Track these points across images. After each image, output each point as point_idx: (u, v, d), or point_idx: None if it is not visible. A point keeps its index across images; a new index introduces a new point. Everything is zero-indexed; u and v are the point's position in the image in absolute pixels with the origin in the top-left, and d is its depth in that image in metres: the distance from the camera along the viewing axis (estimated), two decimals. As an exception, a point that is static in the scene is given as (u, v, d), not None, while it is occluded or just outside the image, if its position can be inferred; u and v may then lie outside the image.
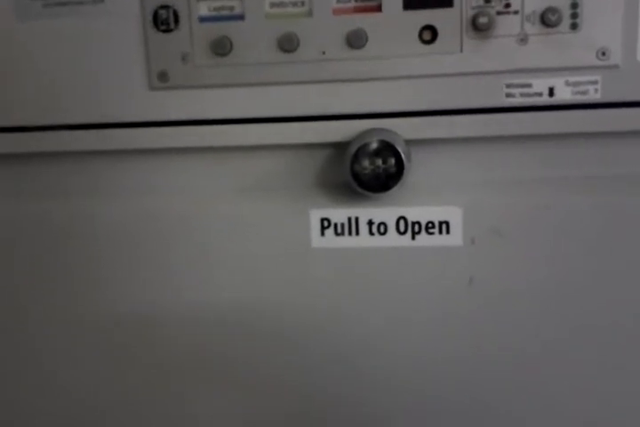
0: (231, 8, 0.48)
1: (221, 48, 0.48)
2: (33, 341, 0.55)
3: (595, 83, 0.47)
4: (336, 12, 0.47)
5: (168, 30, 0.48)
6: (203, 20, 0.48)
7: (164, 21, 0.48)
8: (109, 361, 0.55)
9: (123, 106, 0.50)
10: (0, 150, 0.52)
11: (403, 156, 0.46)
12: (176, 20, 0.48)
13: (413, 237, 0.50)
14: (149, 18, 0.48)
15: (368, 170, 0.46)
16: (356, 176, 0.47)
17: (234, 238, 0.51)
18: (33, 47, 0.49)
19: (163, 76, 0.49)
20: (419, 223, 0.50)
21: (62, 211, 0.53)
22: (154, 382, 0.55)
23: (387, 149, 0.46)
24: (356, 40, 0.47)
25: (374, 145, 0.46)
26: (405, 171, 0.46)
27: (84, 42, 0.49)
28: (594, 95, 0.47)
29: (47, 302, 0.54)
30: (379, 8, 0.47)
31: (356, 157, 0.46)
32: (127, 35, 0.49)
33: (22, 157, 0.53)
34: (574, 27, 0.46)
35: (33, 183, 0.54)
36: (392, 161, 0.46)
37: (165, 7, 0.48)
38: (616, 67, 0.46)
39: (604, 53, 0.47)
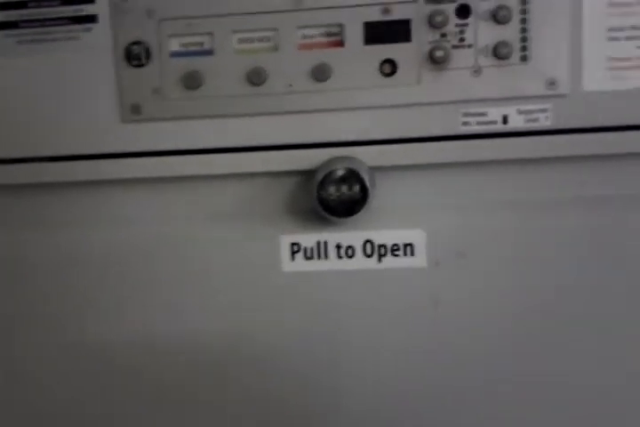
0: (201, 44, 0.50)
1: (192, 82, 0.50)
2: (14, 367, 0.56)
3: (545, 111, 0.50)
4: (301, 47, 0.50)
5: (140, 65, 0.50)
6: (173, 55, 0.50)
7: (135, 57, 0.50)
8: (85, 387, 0.56)
9: (96, 138, 0.51)
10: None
11: (366, 182, 0.48)
12: (148, 56, 0.50)
13: (380, 260, 0.52)
14: (122, 54, 0.50)
15: (334, 196, 0.48)
16: (323, 202, 0.49)
17: (206, 265, 0.53)
18: (7, 83, 0.51)
19: (135, 109, 0.51)
20: (384, 246, 0.52)
21: (36, 241, 0.54)
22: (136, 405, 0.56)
23: (351, 175, 0.48)
24: (320, 73, 0.50)
25: (340, 172, 0.48)
26: (370, 196, 0.48)
27: (58, 77, 0.51)
28: (544, 122, 0.50)
29: (26, 329, 0.55)
30: (341, 43, 0.50)
31: (323, 184, 0.48)
32: (100, 70, 0.51)
33: (-3, 189, 0.54)
34: (524, 59, 0.49)
35: (6, 214, 0.55)
36: (357, 187, 0.48)
37: (137, 43, 0.50)
38: (564, 96, 0.49)
39: (552, 83, 0.50)
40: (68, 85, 0.51)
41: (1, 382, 0.56)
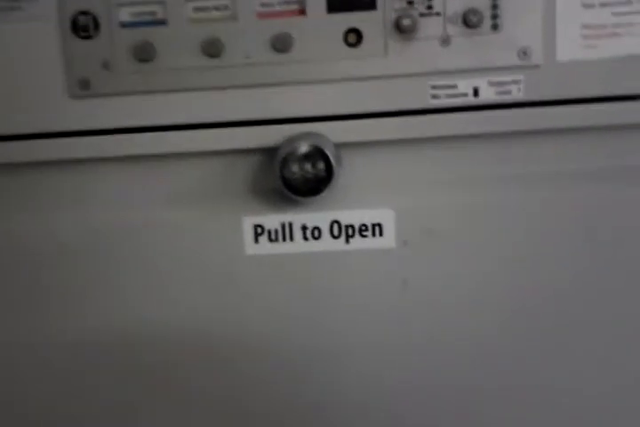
0: (153, 13, 0.47)
1: (144, 54, 0.47)
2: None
3: (517, 82, 0.48)
4: (260, 15, 0.47)
5: (88, 37, 0.47)
6: (123, 25, 0.47)
7: (83, 28, 0.47)
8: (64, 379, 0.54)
9: (44, 115, 0.48)
10: None
11: (332, 159, 0.46)
12: (96, 27, 0.47)
13: (347, 241, 0.50)
14: (68, 24, 0.47)
15: (298, 175, 0.46)
16: (286, 181, 0.46)
17: (166, 248, 0.51)
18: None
19: (84, 83, 0.48)
20: (352, 226, 0.50)
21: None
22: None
23: (316, 153, 0.46)
24: (281, 44, 0.47)
25: (303, 149, 0.46)
26: (335, 175, 0.46)
27: (1, 50, 0.47)
28: (517, 94, 0.48)
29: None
30: (303, 11, 0.47)
31: (285, 163, 0.46)
32: (46, 43, 0.47)
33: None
34: (495, 27, 0.47)
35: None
36: (321, 165, 0.46)
37: (85, 13, 0.47)
38: (537, 66, 0.47)
39: (525, 53, 0.48)
40: (11, 60, 0.47)
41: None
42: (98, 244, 0.51)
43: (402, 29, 0.47)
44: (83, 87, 0.48)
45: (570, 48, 0.47)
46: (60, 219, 0.51)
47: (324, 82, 0.48)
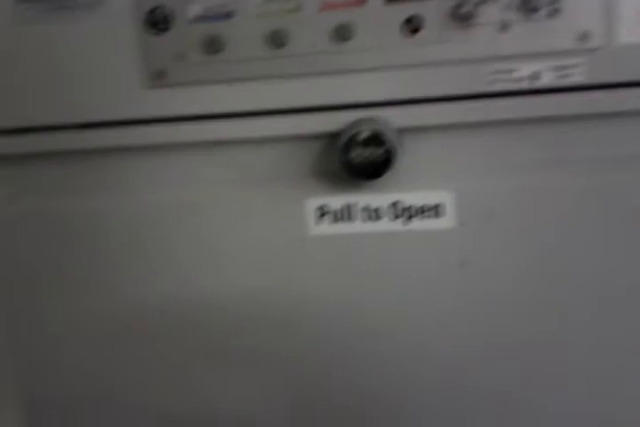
0: (222, 6, 0.50)
1: (213, 46, 0.50)
2: (51, 329, 0.57)
3: (577, 66, 0.48)
4: (323, 7, 0.49)
5: (162, 31, 0.50)
6: (194, 19, 0.50)
7: (158, 22, 0.50)
8: (120, 350, 0.57)
9: (123, 105, 0.51)
10: (4, 151, 0.54)
11: (392, 143, 0.47)
12: (169, 21, 0.50)
13: (407, 222, 0.51)
14: (143, 19, 0.50)
15: (359, 158, 0.48)
16: (348, 165, 0.48)
17: (234, 229, 0.53)
18: (32, 51, 0.51)
19: (160, 74, 0.51)
20: (412, 208, 0.51)
21: (72, 208, 0.55)
22: (168, 367, 0.57)
23: (376, 137, 0.48)
24: (342, 34, 0.49)
25: (364, 134, 0.48)
26: (395, 158, 0.48)
27: (81, 45, 0.51)
28: (577, 78, 0.48)
29: (63, 294, 0.57)
30: (363, 2, 0.48)
31: (347, 147, 0.48)
32: (122, 37, 0.50)
33: (27, 158, 0.55)
34: (554, 12, 0.47)
35: (40, 183, 0.55)
36: (382, 149, 0.48)
37: (159, 8, 0.50)
38: (598, 49, 0.47)
39: (585, 36, 0.48)
40: (91, 53, 0.51)
41: (31, 346, 0.58)
42: (171, 222, 0.54)
43: (460, 16, 0.48)
44: (159, 78, 0.51)
45: (631, 30, 0.47)
46: (137, 199, 0.54)
47: (384, 69, 0.49)
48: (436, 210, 0.51)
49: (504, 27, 0.48)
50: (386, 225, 0.51)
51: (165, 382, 0.57)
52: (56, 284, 0.56)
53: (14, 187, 0.56)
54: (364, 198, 0.51)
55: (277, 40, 0.49)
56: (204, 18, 0.50)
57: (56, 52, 0.51)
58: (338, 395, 0.55)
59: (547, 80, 0.49)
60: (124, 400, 0.58)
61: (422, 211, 0.51)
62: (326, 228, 0.52)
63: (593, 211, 0.50)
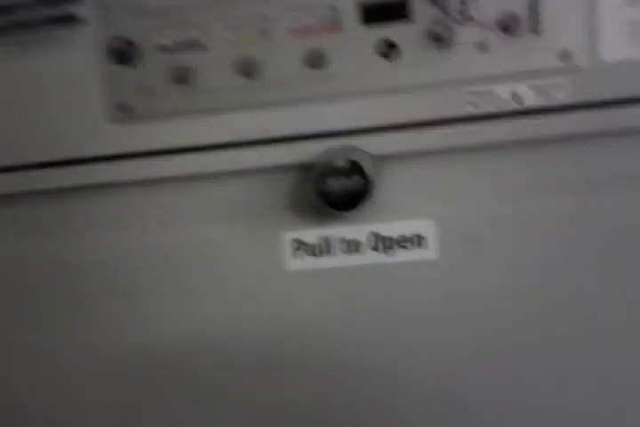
0: (189, 36, 0.48)
1: (181, 77, 0.48)
2: (32, 371, 0.56)
3: (559, 85, 0.46)
4: (294, 33, 0.47)
5: (125, 62, 0.48)
6: (160, 49, 0.48)
7: (121, 53, 0.48)
8: (101, 391, 0.55)
9: (85, 141, 0.50)
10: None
11: (369, 172, 0.46)
12: (133, 52, 0.48)
13: (388, 253, 0.49)
14: (105, 50, 0.48)
15: (335, 189, 0.46)
16: (324, 196, 0.46)
17: (207, 266, 0.51)
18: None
19: (123, 108, 0.49)
20: (391, 238, 0.49)
21: (32, 250, 0.53)
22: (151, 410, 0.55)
23: (352, 166, 0.46)
24: (315, 60, 0.47)
25: (339, 163, 0.46)
26: (373, 187, 0.46)
27: (41, 80, 0.49)
28: (561, 97, 0.46)
29: (44, 336, 0.55)
30: (335, 26, 0.47)
31: (322, 177, 0.46)
32: (85, 70, 0.49)
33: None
34: (535, 30, 0.46)
35: (6, 224, 0.54)
36: (358, 178, 0.46)
37: (121, 39, 0.48)
38: (580, 68, 0.46)
39: (566, 55, 0.46)
40: (52, 88, 0.49)
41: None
42: (138, 262, 0.52)
43: (437, 38, 0.46)
44: (123, 111, 0.49)
45: (615, 47, 0.45)
46: (100, 240, 0.52)
47: (360, 95, 0.47)
48: (417, 240, 0.49)
49: (483, 47, 0.46)
50: (366, 258, 0.49)
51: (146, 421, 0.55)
52: (34, 328, 0.55)
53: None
54: (341, 230, 0.49)
55: (248, 69, 0.48)
56: (170, 48, 0.48)
57: (13, 87, 0.50)
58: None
59: (529, 101, 0.47)
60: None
61: (403, 241, 0.49)
62: (304, 262, 0.50)
63: (584, 234, 0.48)
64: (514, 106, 0.47)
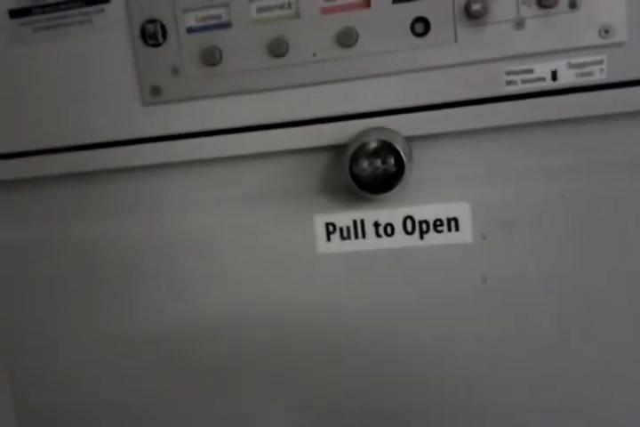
0: (218, 17, 0.47)
1: (211, 58, 0.47)
2: (56, 356, 0.56)
3: (600, 63, 0.45)
4: (324, 11, 0.46)
5: (157, 44, 0.48)
6: (190, 31, 0.48)
7: (152, 35, 0.48)
8: (134, 374, 0.56)
9: (118, 124, 0.50)
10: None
11: (402, 154, 0.45)
12: (164, 34, 0.48)
13: (422, 237, 0.48)
14: (137, 33, 0.48)
15: (367, 171, 0.45)
16: (356, 178, 0.45)
17: (240, 249, 0.51)
18: (25, 72, 0.50)
19: (155, 90, 0.49)
20: (426, 222, 0.48)
21: (71, 232, 0.53)
22: (183, 390, 0.55)
23: (385, 148, 0.45)
24: (346, 39, 0.46)
25: (372, 145, 0.45)
26: (406, 169, 0.45)
27: (75, 63, 0.49)
28: (599, 76, 0.45)
29: (68, 318, 0.55)
30: (367, 4, 0.46)
31: (355, 159, 0.45)
32: (118, 52, 0.49)
33: (23, 182, 0.53)
34: (573, 5, 0.44)
35: (37, 207, 0.54)
36: (391, 160, 0.45)
37: (153, 21, 0.48)
38: (621, 44, 0.44)
39: (607, 31, 0.44)
40: (86, 71, 0.49)
41: (33, 371, 0.57)
42: (172, 244, 0.52)
43: (472, 15, 0.45)
44: (154, 94, 0.49)
45: (657, 22, 0.44)
46: (135, 223, 0.52)
47: (392, 75, 0.46)
48: (452, 223, 0.48)
49: (519, 24, 0.45)
50: (400, 241, 0.49)
51: (168, 396, 0.55)
52: (56, 309, 0.55)
53: (14, 212, 0.54)
54: (374, 213, 0.49)
55: (277, 49, 0.47)
56: (199, 28, 0.47)
57: (49, 71, 0.50)
58: (354, 411, 0.53)
59: (566, 79, 0.45)
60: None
61: (438, 225, 0.48)
62: (337, 245, 0.49)
63: (621, 217, 0.47)
64: (552, 84, 0.45)
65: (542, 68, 0.45)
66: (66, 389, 0.57)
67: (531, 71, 0.45)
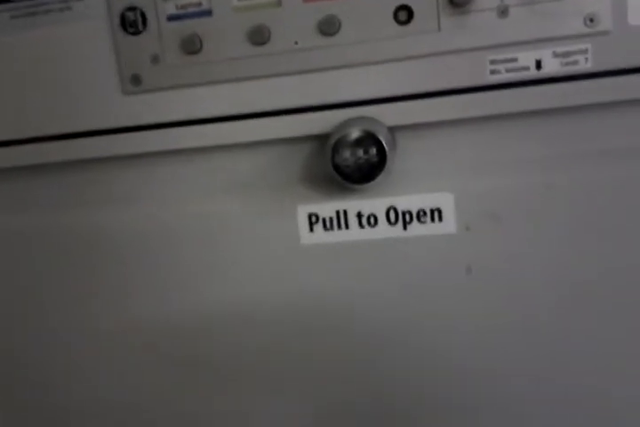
0: (198, 4, 0.47)
1: (191, 46, 0.47)
2: (55, 345, 0.56)
3: (584, 52, 0.44)
4: (306, -1, 0.46)
5: (137, 32, 0.47)
6: (170, 18, 0.47)
7: (132, 23, 0.47)
8: (126, 366, 0.55)
9: (98, 113, 0.49)
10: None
11: (384, 144, 0.44)
12: (144, 22, 0.47)
13: (405, 228, 0.48)
14: (117, 21, 0.47)
15: (350, 161, 0.45)
16: (338, 168, 0.45)
17: (221, 239, 0.51)
18: (3, 60, 0.49)
19: (135, 79, 0.48)
20: (409, 212, 0.48)
21: (64, 221, 0.53)
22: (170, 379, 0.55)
23: (367, 138, 0.44)
24: (328, 27, 0.46)
25: (354, 135, 0.45)
26: (388, 160, 0.45)
27: (54, 51, 0.48)
28: (584, 65, 0.45)
29: (66, 308, 0.55)
30: (350, -10, 0.45)
31: (337, 149, 0.45)
32: (96, 40, 0.48)
33: (13, 171, 0.52)
34: (557, -7, 0.43)
35: (30, 196, 0.53)
36: (374, 150, 0.44)
37: (132, 9, 0.47)
38: (606, 33, 0.44)
39: (592, 20, 0.44)
40: (64, 59, 0.48)
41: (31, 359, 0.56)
42: (150, 235, 0.52)
43: (455, 2, 0.44)
44: (135, 83, 0.48)
45: (642, 10, 0.43)
46: (113, 213, 0.52)
47: (375, 63, 0.46)
48: (435, 214, 0.48)
49: (503, 12, 0.45)
50: (383, 232, 0.48)
51: (168, 391, 0.55)
52: (58, 298, 0.54)
53: (7, 200, 0.54)
54: (357, 204, 0.48)
55: (259, 37, 0.46)
56: (180, 16, 0.47)
57: (27, 59, 0.49)
58: (340, 400, 0.53)
59: (550, 68, 0.45)
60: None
61: (421, 215, 0.48)
62: (320, 236, 0.49)
63: (606, 207, 0.47)
64: (537, 74, 0.45)
65: (527, 57, 0.45)
66: (60, 381, 0.57)
67: (515, 60, 0.45)
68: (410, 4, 0.45)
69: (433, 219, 0.48)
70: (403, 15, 0.45)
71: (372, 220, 0.48)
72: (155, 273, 0.52)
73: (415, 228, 0.48)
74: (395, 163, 0.46)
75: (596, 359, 0.49)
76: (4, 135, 0.50)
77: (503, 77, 0.45)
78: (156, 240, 0.52)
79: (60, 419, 0.58)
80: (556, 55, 0.45)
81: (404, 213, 0.48)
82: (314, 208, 0.49)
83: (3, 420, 0.58)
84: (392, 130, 0.47)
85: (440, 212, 0.48)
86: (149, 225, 0.52)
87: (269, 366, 0.53)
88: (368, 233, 0.49)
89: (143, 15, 0.47)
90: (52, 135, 0.50)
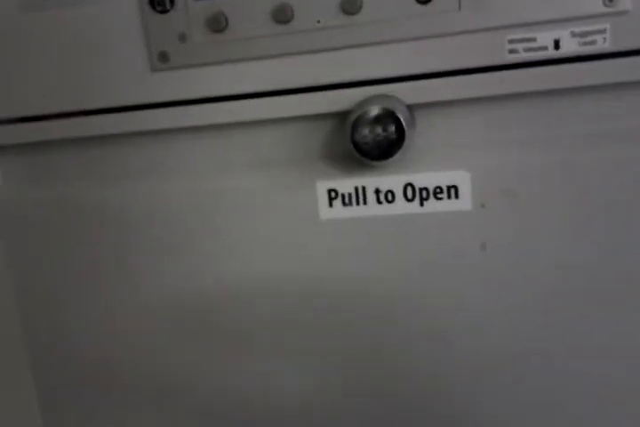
0: (225, -17, 0.48)
1: (217, 24, 0.48)
2: (68, 319, 0.58)
3: (603, 31, 0.45)
4: (329, -23, 0.46)
5: (165, 11, 0.49)
6: (197, -4, 0.48)
7: (160, 2, 0.48)
8: (140, 340, 0.57)
9: (126, 89, 0.50)
10: (6, 141, 0.54)
11: (403, 121, 0.45)
12: (171, 0, 0.48)
13: (422, 204, 0.49)
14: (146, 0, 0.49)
15: (368, 138, 0.46)
16: (357, 145, 0.46)
17: (241, 214, 0.52)
18: (35, 38, 0.51)
19: (163, 56, 0.49)
20: (426, 189, 0.49)
21: (80, 196, 0.54)
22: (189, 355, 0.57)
23: (386, 115, 0.45)
24: (350, 6, 0.46)
25: (373, 112, 0.46)
26: (407, 137, 0.46)
27: (84, 29, 0.50)
28: (602, 45, 0.45)
29: (76, 282, 0.57)
30: (372, -30, 0.46)
31: (356, 126, 0.46)
32: (125, 18, 0.49)
33: (34, 146, 0.54)
34: (577, -28, 0.44)
35: (48, 171, 0.55)
36: (392, 128, 0.45)
37: (160, -13, 0.48)
38: (625, 13, 0.44)
39: (611, -1, 0.44)
40: (95, 36, 0.50)
41: (48, 334, 0.58)
42: (173, 210, 0.53)
43: (476, -18, 0.45)
44: (162, 60, 0.49)
45: (663, -10, 0.43)
46: (137, 188, 0.53)
47: (395, 42, 0.47)
48: (452, 191, 0.49)
49: (523, -9, 0.45)
50: (400, 208, 0.49)
51: (186, 370, 0.57)
52: (73, 272, 0.56)
53: (26, 175, 0.56)
54: (375, 180, 0.49)
55: (282, 16, 0.47)
56: (206, -5, 0.48)
57: (58, 37, 0.50)
58: (355, 371, 0.54)
59: (569, 48, 0.45)
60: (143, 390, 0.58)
61: (438, 192, 0.49)
62: (338, 211, 0.50)
63: (620, 186, 0.47)
64: (555, 53, 0.45)
65: (545, 37, 0.46)
66: (84, 348, 0.59)
67: (533, 40, 0.46)
68: (431, -18, 0.45)
69: (449, 196, 0.49)
70: (423, -6, 0.46)
71: (389, 196, 0.49)
72: (175, 247, 0.54)
73: (431, 204, 0.49)
74: (413, 140, 0.47)
75: (609, 338, 0.50)
76: (37, 110, 0.52)
77: (521, 57, 0.46)
78: (175, 215, 0.53)
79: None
80: (574, 35, 0.45)
81: (420, 190, 0.49)
82: (333, 184, 0.50)
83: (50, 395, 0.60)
84: (411, 108, 0.48)
85: (456, 189, 0.48)
86: (169, 201, 0.53)
87: (286, 335, 0.54)
88: (385, 209, 0.50)
89: (171, -6, 0.48)
90: (82, 111, 0.51)
